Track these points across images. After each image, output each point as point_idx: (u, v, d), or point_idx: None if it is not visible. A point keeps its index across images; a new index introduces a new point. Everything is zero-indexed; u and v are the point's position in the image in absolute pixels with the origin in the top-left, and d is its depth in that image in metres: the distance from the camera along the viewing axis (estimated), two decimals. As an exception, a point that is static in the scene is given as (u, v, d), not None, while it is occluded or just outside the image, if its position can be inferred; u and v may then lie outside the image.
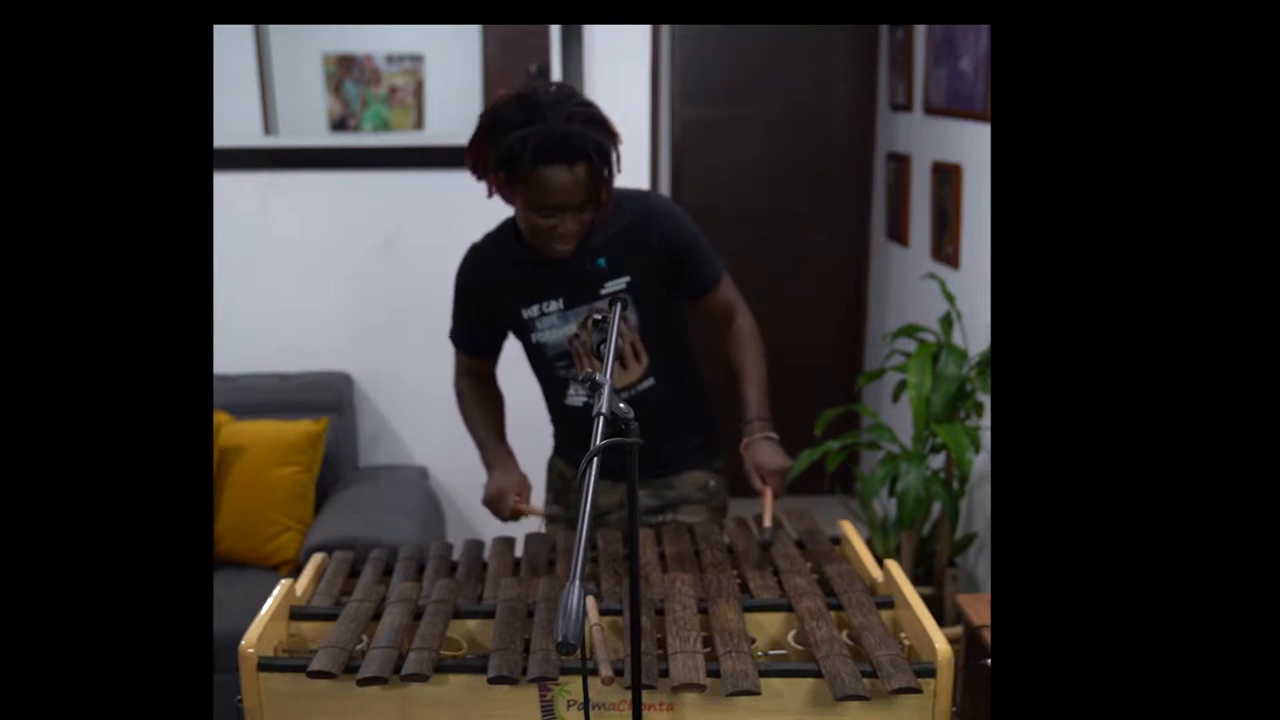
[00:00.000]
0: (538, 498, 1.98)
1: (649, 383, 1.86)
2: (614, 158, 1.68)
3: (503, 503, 1.83)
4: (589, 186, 1.65)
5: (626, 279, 1.79)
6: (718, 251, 1.89)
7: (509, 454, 1.92)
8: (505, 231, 1.86)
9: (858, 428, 3.49)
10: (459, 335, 1.96)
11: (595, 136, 1.63)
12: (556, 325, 1.82)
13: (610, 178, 1.69)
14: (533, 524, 1.93)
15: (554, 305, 1.81)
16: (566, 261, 1.77)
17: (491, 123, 1.66)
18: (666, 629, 1.40)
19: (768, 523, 1.72)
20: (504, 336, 1.95)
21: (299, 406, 2.98)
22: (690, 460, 1.96)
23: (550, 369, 1.89)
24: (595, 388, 1.25)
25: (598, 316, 1.48)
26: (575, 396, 1.88)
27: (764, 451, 1.80)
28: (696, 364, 1.99)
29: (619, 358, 1.80)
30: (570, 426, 1.96)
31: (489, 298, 1.88)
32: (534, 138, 1.60)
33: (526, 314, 1.83)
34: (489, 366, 2.00)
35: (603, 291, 1.79)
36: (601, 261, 1.78)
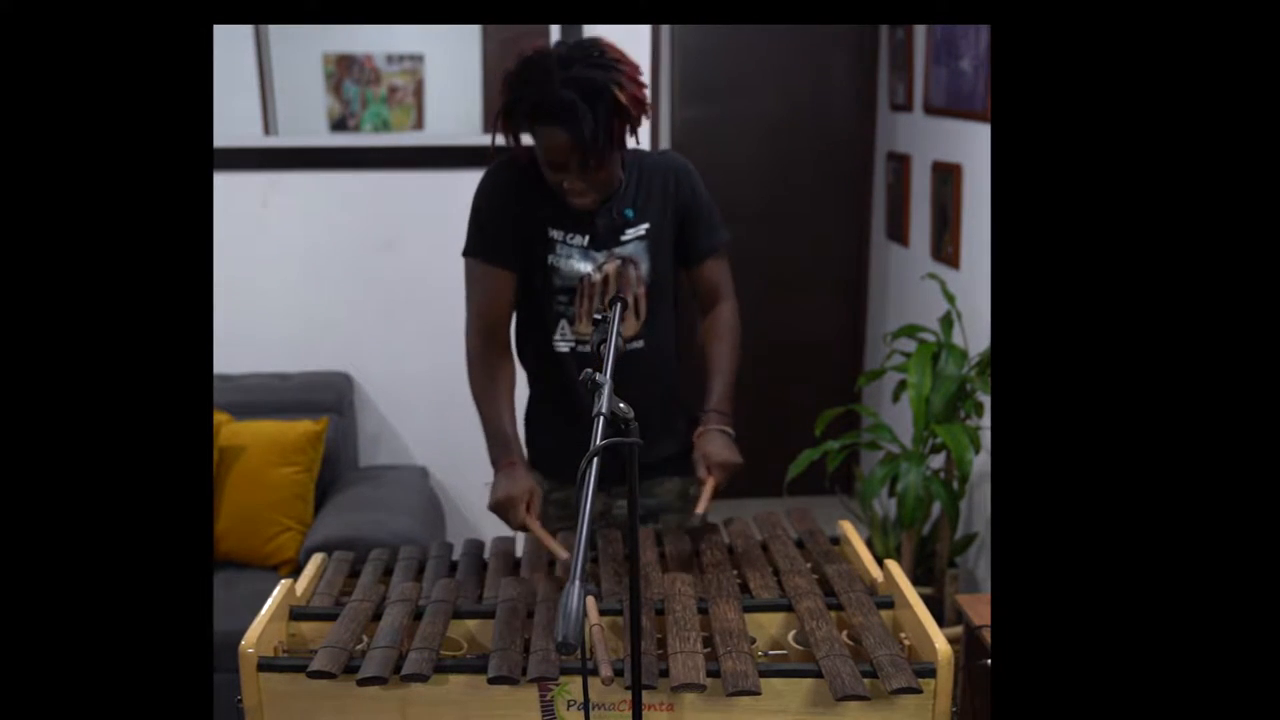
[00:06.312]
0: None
1: (638, 344, 1.85)
2: (609, 128, 1.65)
3: (513, 512, 1.75)
4: (581, 151, 1.66)
5: (646, 225, 1.83)
6: (724, 224, 1.92)
7: (518, 456, 1.83)
8: None
9: (858, 428, 3.49)
10: (481, 241, 1.85)
11: (586, 105, 1.62)
12: (576, 258, 1.82)
13: (605, 146, 1.67)
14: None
15: (579, 239, 1.82)
16: (596, 209, 1.81)
17: (505, 80, 1.71)
18: (666, 629, 1.40)
19: (700, 509, 1.71)
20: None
21: (299, 406, 2.98)
22: (669, 467, 1.92)
23: (551, 301, 1.84)
24: (595, 387, 1.25)
25: (598, 316, 1.48)
26: (563, 341, 1.86)
27: (715, 442, 1.79)
28: (677, 340, 1.95)
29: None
30: (549, 384, 1.90)
31: (521, 204, 1.83)
32: (529, 99, 1.66)
33: (553, 233, 1.82)
34: (506, 305, 1.88)
35: (623, 238, 1.82)
36: (629, 212, 1.82)
